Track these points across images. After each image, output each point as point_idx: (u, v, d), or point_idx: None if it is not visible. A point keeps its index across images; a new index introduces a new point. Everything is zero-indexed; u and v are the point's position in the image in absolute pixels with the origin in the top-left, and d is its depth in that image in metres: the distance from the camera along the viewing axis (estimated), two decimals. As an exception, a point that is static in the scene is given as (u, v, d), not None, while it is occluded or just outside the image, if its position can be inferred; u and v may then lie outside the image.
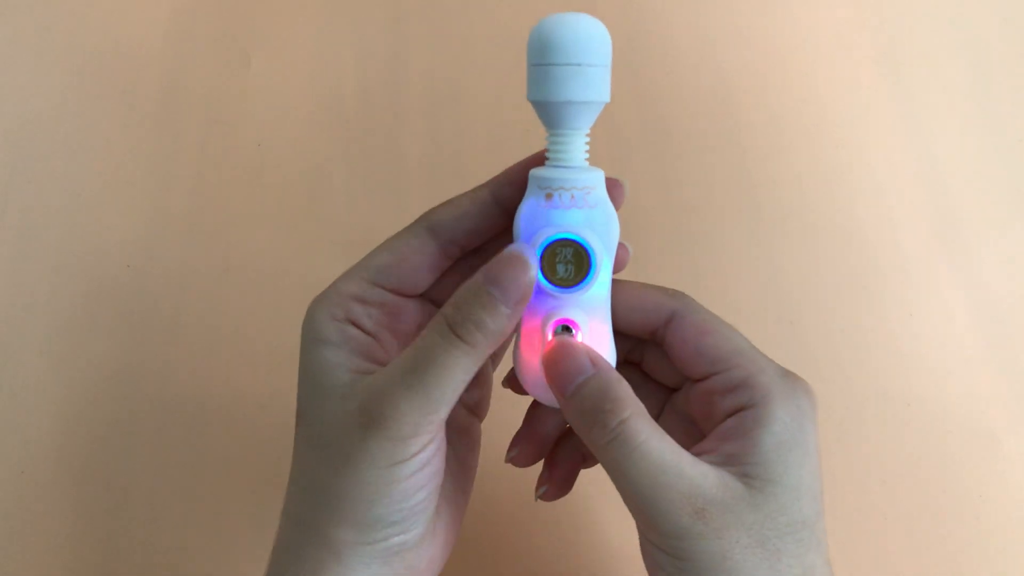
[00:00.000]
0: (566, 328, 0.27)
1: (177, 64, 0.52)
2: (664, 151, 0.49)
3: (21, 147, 0.49)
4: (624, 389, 0.26)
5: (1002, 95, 0.51)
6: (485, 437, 0.32)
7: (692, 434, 0.30)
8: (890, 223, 0.47)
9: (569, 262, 0.27)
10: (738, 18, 0.53)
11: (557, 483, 0.31)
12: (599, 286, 0.28)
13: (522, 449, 0.31)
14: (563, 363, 0.27)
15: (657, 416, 0.31)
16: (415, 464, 0.26)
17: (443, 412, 0.26)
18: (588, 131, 0.29)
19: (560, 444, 0.32)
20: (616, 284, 0.29)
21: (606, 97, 0.28)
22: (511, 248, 0.26)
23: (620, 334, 0.29)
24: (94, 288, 0.45)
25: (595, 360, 0.27)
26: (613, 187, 0.29)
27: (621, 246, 0.29)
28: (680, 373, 0.30)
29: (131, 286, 0.45)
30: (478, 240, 0.30)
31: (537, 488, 0.32)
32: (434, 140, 0.49)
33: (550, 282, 0.27)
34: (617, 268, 0.29)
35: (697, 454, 0.27)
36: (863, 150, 0.49)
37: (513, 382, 0.31)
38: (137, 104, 0.50)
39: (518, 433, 0.32)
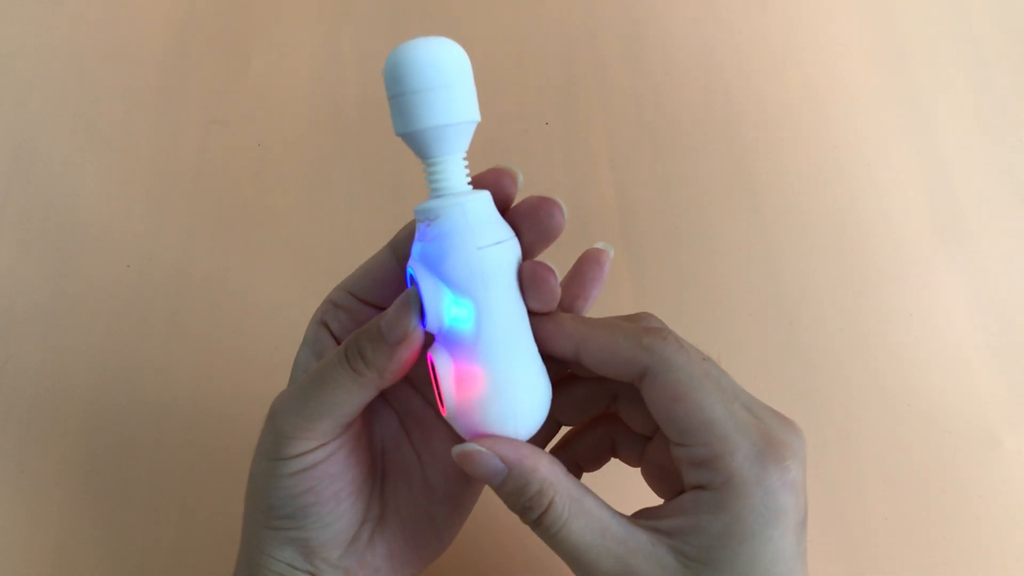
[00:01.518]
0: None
1: (177, 64, 0.52)
2: (664, 150, 0.49)
3: (21, 147, 0.49)
4: (540, 480, 0.26)
5: (1003, 95, 0.51)
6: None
7: (671, 482, 0.29)
8: (890, 223, 0.47)
9: (417, 300, 0.26)
10: (737, 18, 0.53)
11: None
12: (458, 322, 0.26)
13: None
14: (478, 471, 0.26)
15: (637, 460, 0.31)
16: (296, 464, 0.27)
17: (323, 423, 0.27)
18: (463, 154, 0.28)
19: (559, 451, 0.32)
20: (588, 326, 0.27)
21: (467, 117, 0.27)
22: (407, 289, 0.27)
23: (597, 378, 0.29)
24: (94, 288, 0.45)
25: (504, 456, 0.26)
26: (501, 177, 0.29)
27: (539, 265, 0.27)
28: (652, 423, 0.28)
29: (131, 286, 0.45)
30: None
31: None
32: (434, 140, 0.49)
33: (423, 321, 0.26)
34: (538, 292, 0.27)
35: (650, 518, 0.26)
36: (863, 150, 0.49)
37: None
38: (137, 104, 0.50)
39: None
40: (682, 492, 0.27)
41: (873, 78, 0.51)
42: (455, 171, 0.27)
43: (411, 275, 0.26)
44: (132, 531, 0.39)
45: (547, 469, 0.26)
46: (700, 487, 0.26)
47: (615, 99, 0.51)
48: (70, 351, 0.43)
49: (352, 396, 0.27)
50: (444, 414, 0.27)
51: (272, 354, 0.43)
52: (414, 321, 0.26)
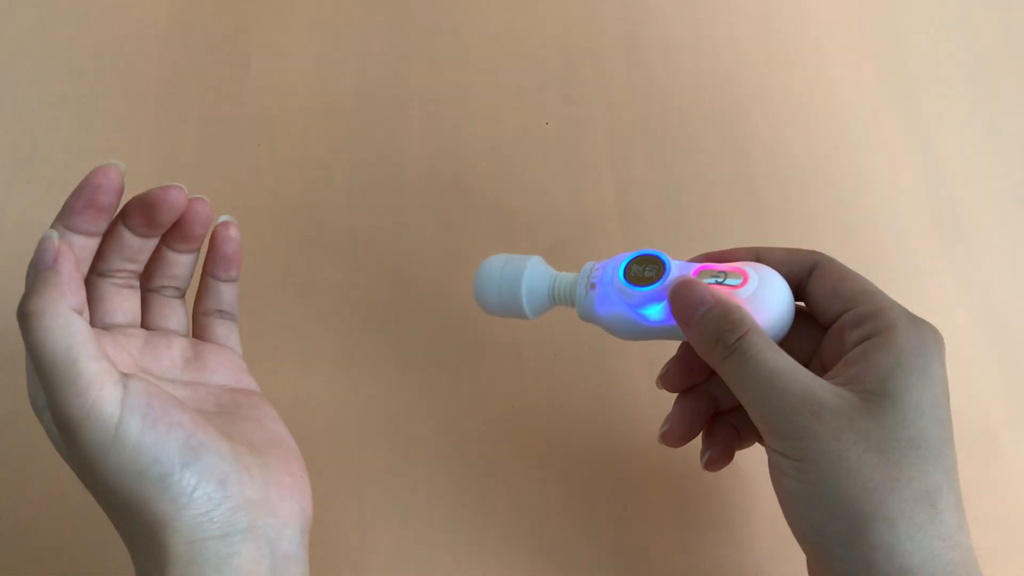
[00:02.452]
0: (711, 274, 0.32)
1: (177, 64, 0.52)
2: (664, 151, 0.49)
3: (21, 147, 0.49)
4: (741, 312, 0.30)
5: (1004, 95, 0.51)
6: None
7: None
8: (890, 223, 0.47)
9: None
10: (738, 18, 0.54)
11: (718, 455, 0.34)
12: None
13: (673, 428, 0.34)
14: (687, 296, 0.31)
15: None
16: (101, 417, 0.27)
17: (88, 369, 0.27)
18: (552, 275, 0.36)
19: (715, 423, 0.35)
20: (762, 247, 0.34)
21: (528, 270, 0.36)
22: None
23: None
24: (94, 288, 0.45)
25: (713, 293, 0.31)
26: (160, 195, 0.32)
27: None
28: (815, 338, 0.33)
29: (131, 286, 0.45)
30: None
31: (701, 456, 0.35)
32: (434, 140, 0.49)
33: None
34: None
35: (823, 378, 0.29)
36: (864, 150, 0.49)
37: (667, 381, 0.34)
38: (137, 104, 0.50)
39: (670, 413, 0.34)
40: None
41: (874, 78, 0.51)
42: (569, 279, 0.35)
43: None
44: (132, 531, 0.39)
45: (746, 311, 0.30)
46: (865, 339, 0.30)
47: (615, 99, 0.51)
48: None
49: (63, 326, 0.28)
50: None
51: (272, 353, 0.43)
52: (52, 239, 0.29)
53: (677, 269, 0.33)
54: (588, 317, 0.35)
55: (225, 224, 0.34)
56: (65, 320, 0.27)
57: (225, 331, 0.36)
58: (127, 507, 0.27)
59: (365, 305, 0.44)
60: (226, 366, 0.34)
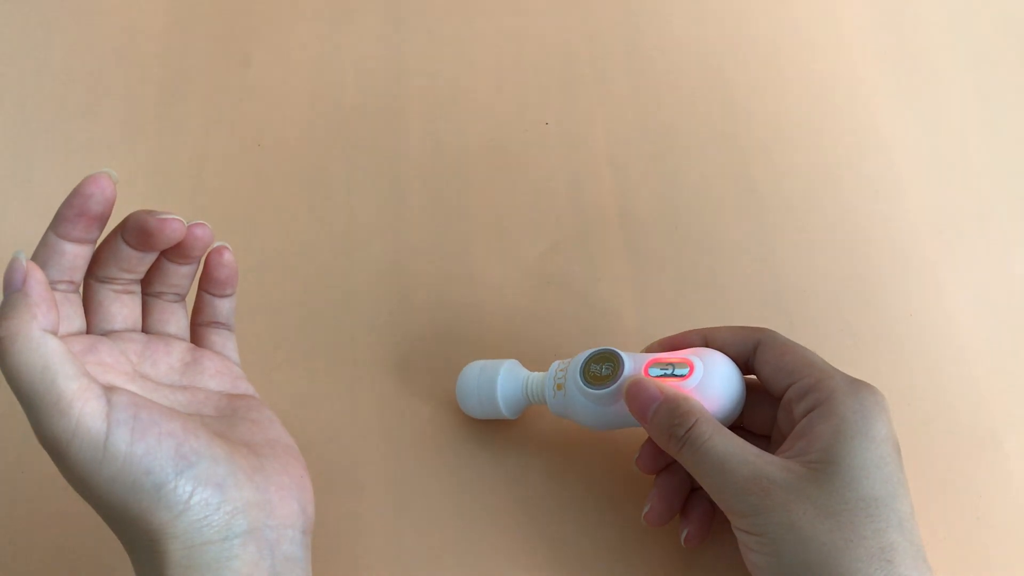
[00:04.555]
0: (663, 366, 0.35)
1: (177, 64, 0.52)
2: (664, 150, 0.49)
3: (21, 147, 0.49)
4: (689, 404, 0.32)
5: (1004, 95, 0.51)
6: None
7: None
8: (890, 222, 0.47)
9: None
10: (738, 17, 0.53)
11: (695, 531, 0.35)
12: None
13: (654, 507, 0.35)
14: (639, 395, 0.33)
15: None
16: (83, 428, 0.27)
17: (67, 388, 0.26)
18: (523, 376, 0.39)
19: (690, 502, 0.36)
20: (711, 329, 0.36)
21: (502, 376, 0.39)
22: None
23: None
24: (94, 288, 0.45)
25: (662, 388, 0.33)
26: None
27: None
28: (767, 424, 0.36)
29: (131, 286, 0.45)
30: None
31: (680, 533, 0.36)
32: (434, 140, 0.49)
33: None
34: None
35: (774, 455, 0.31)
36: (864, 149, 0.49)
37: (642, 463, 0.36)
38: (137, 104, 0.50)
39: (650, 494, 0.36)
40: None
41: (874, 77, 0.51)
42: (540, 380, 0.38)
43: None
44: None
45: (694, 401, 0.32)
46: (810, 411, 0.32)
47: (615, 99, 0.51)
48: (70, 351, 0.43)
49: (37, 342, 0.27)
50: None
51: (272, 353, 0.43)
52: (20, 262, 0.29)
53: (631, 364, 0.35)
54: (560, 415, 0.37)
55: (219, 250, 0.34)
56: (38, 342, 0.26)
57: (222, 340, 0.36)
58: (124, 518, 0.28)
59: (365, 305, 0.44)
60: (223, 372, 0.34)
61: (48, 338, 0.27)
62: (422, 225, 0.46)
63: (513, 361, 0.39)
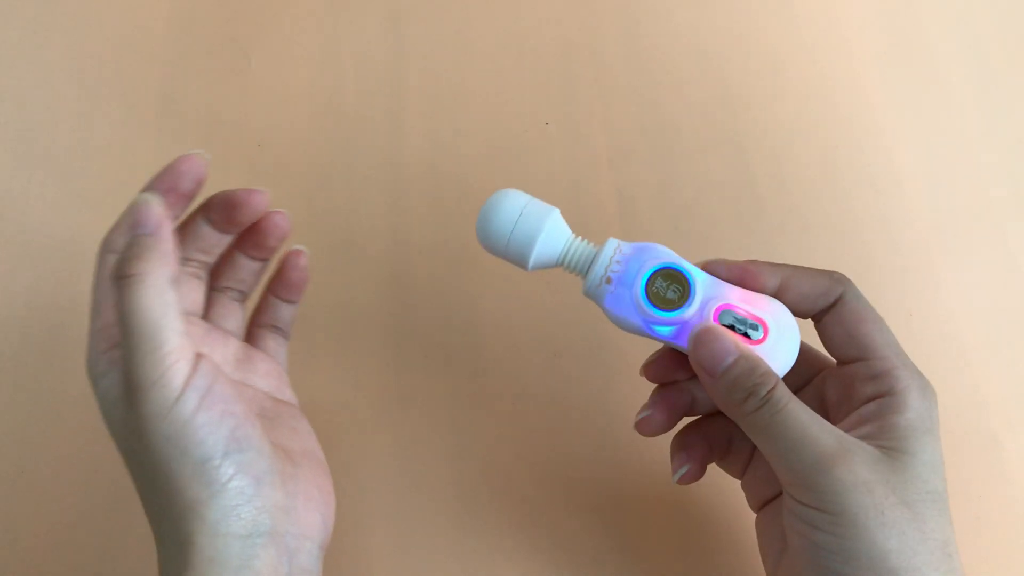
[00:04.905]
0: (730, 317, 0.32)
1: (177, 64, 0.52)
2: (664, 150, 0.49)
3: (21, 147, 0.49)
4: (766, 366, 0.30)
5: (1004, 95, 0.51)
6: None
7: (769, 492, 0.33)
8: (890, 223, 0.47)
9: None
10: (738, 17, 0.53)
11: (694, 471, 0.34)
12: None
13: (652, 417, 0.34)
14: (711, 345, 0.30)
15: (742, 468, 0.35)
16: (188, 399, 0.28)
17: (170, 340, 0.27)
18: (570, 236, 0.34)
19: (688, 438, 0.35)
20: (790, 268, 0.33)
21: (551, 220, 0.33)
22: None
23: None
24: (94, 288, 0.45)
25: (737, 344, 0.30)
26: (250, 196, 0.32)
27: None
28: (817, 364, 0.34)
29: (131, 286, 0.45)
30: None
31: (673, 472, 0.34)
32: (434, 140, 0.49)
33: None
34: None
35: None
36: (864, 149, 0.49)
37: (650, 371, 0.34)
38: (137, 104, 0.50)
39: (648, 402, 0.34)
40: (774, 498, 0.33)
41: (874, 77, 0.51)
42: (586, 252, 0.34)
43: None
44: (132, 531, 0.39)
45: (768, 364, 0.30)
46: (879, 396, 0.30)
47: (615, 99, 0.51)
48: (71, 351, 0.43)
49: (157, 296, 0.28)
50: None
51: (272, 354, 0.43)
52: (157, 205, 0.29)
53: (701, 294, 0.32)
54: (594, 300, 0.34)
55: (297, 252, 0.35)
56: (163, 288, 0.27)
57: (276, 345, 0.36)
58: (162, 484, 0.28)
59: (365, 305, 0.44)
60: (272, 375, 0.35)
61: (171, 288, 0.28)
62: (422, 225, 0.46)
63: (559, 211, 0.34)
